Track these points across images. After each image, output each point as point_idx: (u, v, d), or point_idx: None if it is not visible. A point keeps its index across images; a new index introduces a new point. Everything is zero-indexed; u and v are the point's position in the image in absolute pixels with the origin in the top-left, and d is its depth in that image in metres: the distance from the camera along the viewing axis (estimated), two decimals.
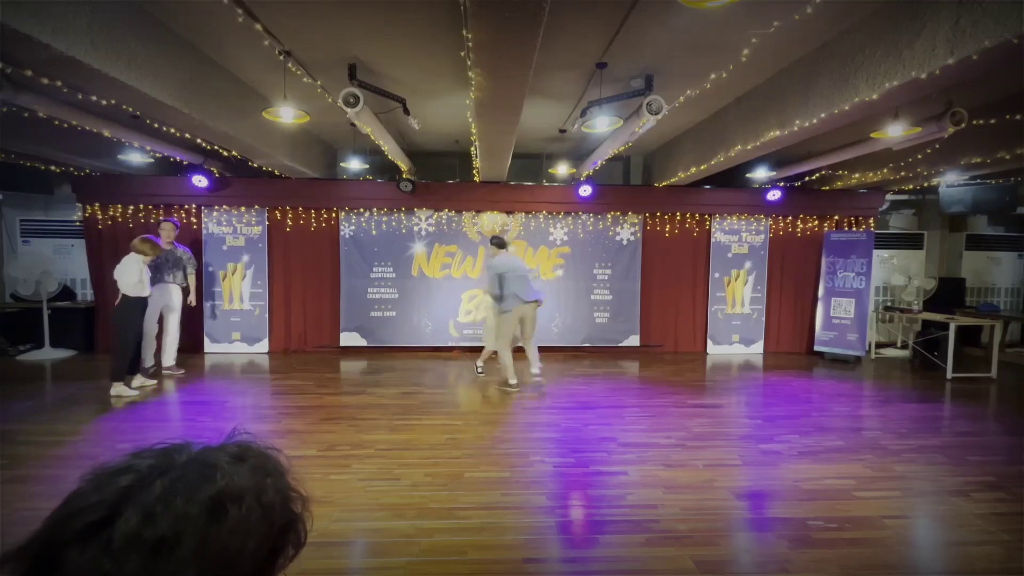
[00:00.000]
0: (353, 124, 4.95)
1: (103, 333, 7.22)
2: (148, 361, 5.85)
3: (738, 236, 7.90)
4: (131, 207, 7.19)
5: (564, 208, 7.61)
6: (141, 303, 5.25)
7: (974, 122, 4.60)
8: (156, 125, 4.90)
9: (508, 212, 7.63)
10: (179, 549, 0.48)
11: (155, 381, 5.61)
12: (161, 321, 6.05)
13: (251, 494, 0.54)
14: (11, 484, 3.18)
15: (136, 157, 6.48)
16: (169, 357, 6.11)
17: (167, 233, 5.97)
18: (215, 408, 4.90)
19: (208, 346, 7.34)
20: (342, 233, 7.48)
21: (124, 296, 5.15)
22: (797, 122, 4.22)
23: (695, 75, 4.50)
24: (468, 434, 4.22)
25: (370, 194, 7.35)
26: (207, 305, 7.27)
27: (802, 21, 3.42)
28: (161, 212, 7.23)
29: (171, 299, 6.05)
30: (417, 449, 3.87)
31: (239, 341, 7.41)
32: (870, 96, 3.46)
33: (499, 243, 5.69)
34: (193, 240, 7.14)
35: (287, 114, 4.53)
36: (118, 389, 5.11)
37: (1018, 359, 7.63)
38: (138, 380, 5.38)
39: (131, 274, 5.11)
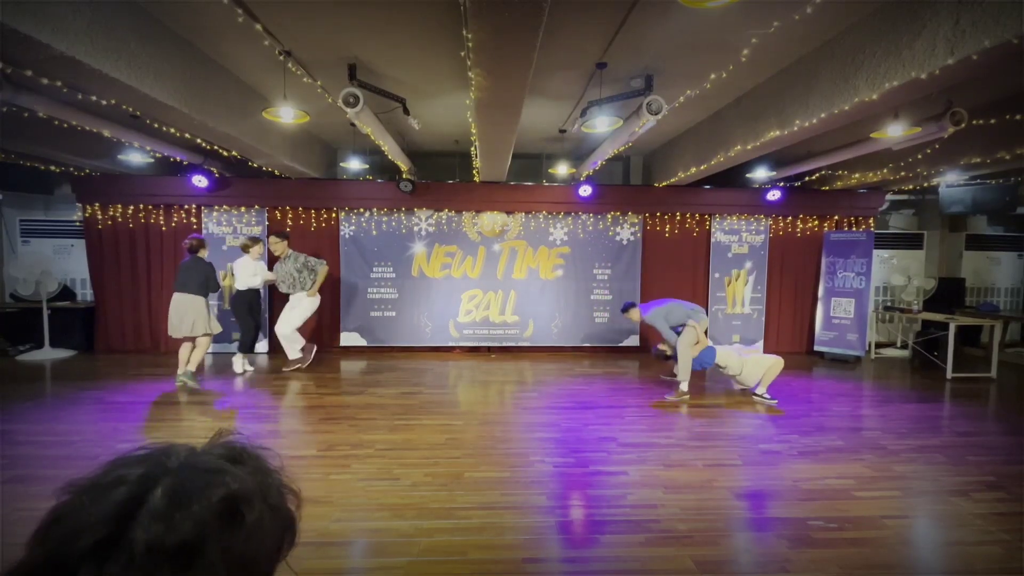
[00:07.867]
0: (353, 124, 4.95)
1: (103, 333, 7.28)
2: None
3: (738, 236, 7.90)
4: (131, 207, 7.20)
5: (564, 208, 7.61)
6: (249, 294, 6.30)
7: (974, 122, 4.60)
8: (156, 125, 4.89)
9: (508, 212, 7.63)
10: (204, 554, 0.47)
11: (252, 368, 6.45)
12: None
13: (259, 496, 0.53)
14: (11, 484, 3.17)
15: (136, 157, 6.48)
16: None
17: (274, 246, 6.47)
18: (215, 408, 4.90)
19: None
20: (342, 233, 7.49)
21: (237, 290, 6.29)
22: (797, 122, 4.22)
23: (695, 75, 4.51)
24: (468, 434, 4.22)
25: (370, 194, 7.35)
26: None
27: (802, 21, 3.42)
28: (161, 212, 7.25)
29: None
30: (417, 449, 3.86)
31: (239, 341, 7.39)
32: (870, 96, 3.46)
33: (632, 304, 5.86)
34: None
35: (287, 114, 4.53)
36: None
37: (1018, 359, 7.62)
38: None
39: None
